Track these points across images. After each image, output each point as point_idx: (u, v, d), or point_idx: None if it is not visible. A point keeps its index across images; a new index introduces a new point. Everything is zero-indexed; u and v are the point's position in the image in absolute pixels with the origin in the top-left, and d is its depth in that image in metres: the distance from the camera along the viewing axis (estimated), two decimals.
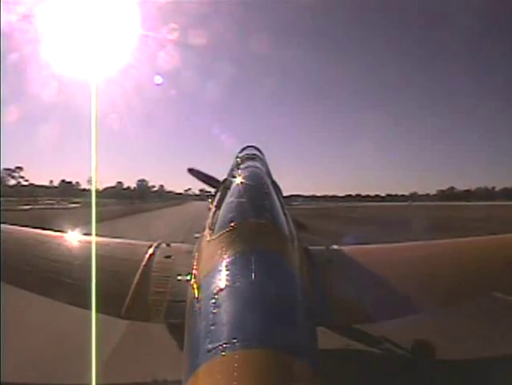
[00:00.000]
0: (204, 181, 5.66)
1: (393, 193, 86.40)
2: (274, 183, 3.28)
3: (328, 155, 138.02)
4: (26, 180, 63.60)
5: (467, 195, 73.91)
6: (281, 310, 1.67)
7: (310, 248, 2.85)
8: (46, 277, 2.68)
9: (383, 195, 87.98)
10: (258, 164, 3.76)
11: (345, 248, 2.94)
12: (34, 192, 58.43)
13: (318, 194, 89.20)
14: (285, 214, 2.64)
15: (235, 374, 1.31)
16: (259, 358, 1.39)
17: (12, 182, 63.31)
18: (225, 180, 3.59)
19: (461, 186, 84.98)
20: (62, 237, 3.27)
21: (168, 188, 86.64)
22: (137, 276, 2.53)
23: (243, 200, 2.44)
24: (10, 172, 62.77)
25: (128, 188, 78.64)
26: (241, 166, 3.72)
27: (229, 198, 2.63)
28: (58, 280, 2.63)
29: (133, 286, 2.45)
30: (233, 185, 2.84)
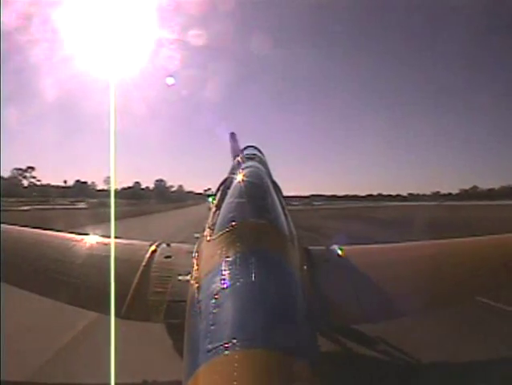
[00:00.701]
0: (234, 152, 5.55)
1: (415, 192, 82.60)
2: (274, 183, 3.28)
3: (348, 154, 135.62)
4: (39, 181, 62.75)
5: (491, 194, 71.20)
6: (281, 310, 1.67)
7: (310, 248, 2.85)
8: (47, 278, 2.68)
9: (404, 194, 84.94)
10: (258, 164, 3.76)
11: (345, 248, 2.93)
12: (46, 192, 57.59)
13: (339, 194, 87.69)
14: (285, 214, 2.64)
15: (235, 374, 1.32)
16: (259, 358, 1.39)
17: (24, 182, 62.35)
18: (226, 179, 3.60)
19: (483, 185, 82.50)
20: (62, 237, 3.27)
21: (187, 188, 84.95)
22: (137, 276, 2.53)
23: (243, 200, 2.44)
24: (22, 172, 61.82)
25: (147, 188, 77.10)
26: (242, 166, 3.72)
27: (230, 198, 2.63)
28: (58, 280, 2.63)
29: (133, 286, 2.45)
30: (234, 185, 2.85)
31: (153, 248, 2.86)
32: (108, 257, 2.82)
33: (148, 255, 2.75)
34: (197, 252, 2.48)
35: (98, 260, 2.77)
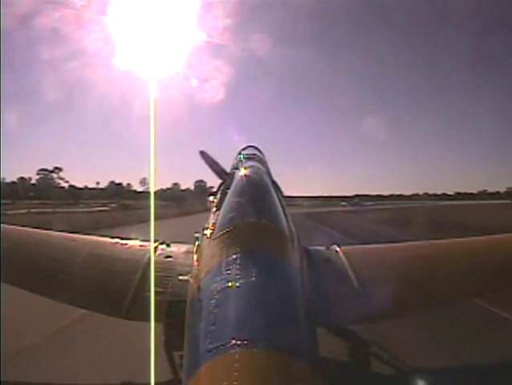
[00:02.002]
0: (212, 169, 5.47)
1: (462, 191, 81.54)
2: (274, 183, 3.28)
3: (392, 152, 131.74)
4: (67, 182, 60.61)
5: None
6: (281, 310, 1.67)
7: (310, 248, 2.85)
8: (47, 278, 2.69)
9: (450, 193, 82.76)
10: (257, 164, 3.76)
11: (345, 248, 2.94)
12: (76, 194, 56.19)
13: (385, 194, 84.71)
14: (285, 214, 2.65)
15: (236, 373, 1.32)
16: (259, 358, 1.39)
17: (57, 184, 59.85)
18: (226, 179, 3.59)
19: None
20: (63, 236, 3.27)
21: None
22: (137, 276, 2.53)
23: (243, 200, 2.44)
24: (48, 172, 59.54)
25: (187, 189, 71.57)
26: (242, 166, 3.71)
27: (230, 198, 2.63)
28: (58, 280, 2.63)
29: (133, 286, 2.45)
30: (234, 185, 2.85)
31: (153, 248, 2.86)
32: (108, 256, 2.82)
33: (148, 255, 2.76)
34: (197, 252, 2.48)
35: (99, 260, 2.77)
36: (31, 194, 53.20)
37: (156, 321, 2.33)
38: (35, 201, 44.01)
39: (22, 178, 58.80)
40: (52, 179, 59.87)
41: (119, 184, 69.16)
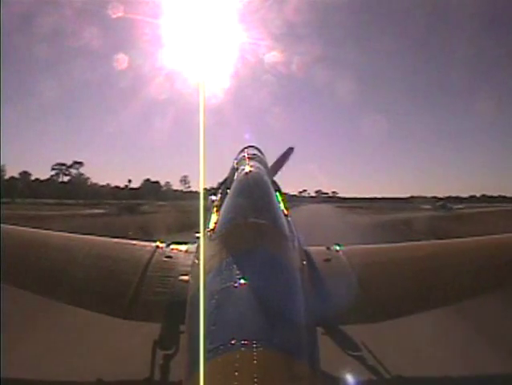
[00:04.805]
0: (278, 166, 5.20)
1: None
2: (274, 183, 3.28)
3: (448, 153, 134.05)
4: (88, 178, 57.33)
5: None
6: (281, 310, 1.67)
7: (310, 248, 2.85)
8: (47, 278, 2.69)
9: (509, 196, 78.78)
10: (258, 164, 3.76)
11: (345, 248, 2.93)
12: (100, 192, 53.23)
13: (440, 195, 78.73)
14: (285, 214, 2.65)
15: (236, 374, 1.32)
16: (259, 359, 1.39)
17: (64, 178, 56.87)
18: (226, 179, 3.60)
19: None
20: (63, 237, 3.27)
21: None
22: (137, 276, 2.53)
23: (243, 200, 2.44)
24: (66, 168, 56.20)
25: None
26: (242, 166, 3.72)
27: (230, 198, 2.64)
28: (58, 280, 2.63)
29: (133, 286, 2.45)
30: (234, 185, 2.85)
31: (153, 248, 2.87)
32: (108, 256, 2.82)
33: (148, 255, 2.76)
34: (197, 252, 2.48)
35: (99, 260, 2.77)
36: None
37: (155, 321, 2.33)
38: (51, 201, 42.62)
39: (24, 172, 55.97)
40: (68, 174, 56.72)
41: (156, 182, 64.58)
